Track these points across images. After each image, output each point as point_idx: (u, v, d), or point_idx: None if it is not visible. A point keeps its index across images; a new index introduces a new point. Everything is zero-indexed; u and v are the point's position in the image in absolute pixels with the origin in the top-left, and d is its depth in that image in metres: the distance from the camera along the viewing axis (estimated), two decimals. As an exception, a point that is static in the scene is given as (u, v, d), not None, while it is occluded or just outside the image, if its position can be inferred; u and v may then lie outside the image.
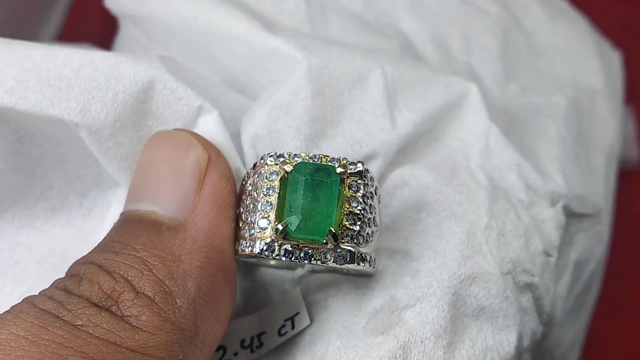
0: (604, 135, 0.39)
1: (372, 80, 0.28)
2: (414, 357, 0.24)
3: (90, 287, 0.21)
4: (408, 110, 0.29)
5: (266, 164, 0.23)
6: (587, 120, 0.39)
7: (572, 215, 0.32)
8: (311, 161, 0.23)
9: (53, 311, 0.20)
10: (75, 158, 0.26)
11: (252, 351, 0.25)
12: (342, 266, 0.22)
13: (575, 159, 0.34)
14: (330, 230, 0.22)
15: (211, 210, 0.23)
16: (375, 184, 0.24)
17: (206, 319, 0.22)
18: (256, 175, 0.23)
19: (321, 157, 0.23)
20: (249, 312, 0.27)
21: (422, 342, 0.24)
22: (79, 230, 0.27)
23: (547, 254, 0.28)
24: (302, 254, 0.22)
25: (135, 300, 0.20)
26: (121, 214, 0.24)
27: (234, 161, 0.25)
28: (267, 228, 0.22)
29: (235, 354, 0.25)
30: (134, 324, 0.20)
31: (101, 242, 0.23)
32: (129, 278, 0.21)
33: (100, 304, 0.20)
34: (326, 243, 0.22)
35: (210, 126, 0.26)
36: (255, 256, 0.22)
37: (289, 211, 0.22)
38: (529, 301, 0.27)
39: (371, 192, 0.23)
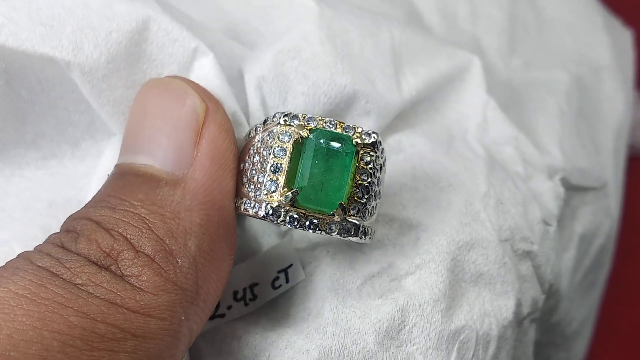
0: (611, 111, 0.39)
1: (382, 40, 0.28)
2: (411, 320, 0.24)
3: (88, 244, 0.20)
4: (413, 76, 0.28)
5: (279, 123, 0.22)
6: (593, 96, 0.38)
7: (573, 189, 0.32)
8: (326, 126, 0.22)
9: (51, 269, 0.19)
10: (67, 104, 0.26)
11: (245, 304, 0.25)
12: (345, 239, 0.22)
13: (576, 133, 0.34)
14: (341, 204, 0.22)
15: (210, 165, 0.22)
16: (385, 155, 0.24)
17: (207, 278, 0.21)
18: (267, 133, 0.23)
19: (336, 123, 0.22)
20: (239, 263, 0.26)
21: (420, 305, 0.25)
22: (67, 178, 0.27)
23: (546, 223, 0.28)
24: (307, 223, 0.22)
25: (135, 260, 0.20)
26: (116, 165, 0.23)
27: (231, 105, 0.25)
28: (275, 192, 0.22)
29: (229, 307, 0.25)
30: (135, 284, 0.20)
31: (96, 195, 0.22)
32: (128, 236, 0.20)
33: (100, 263, 0.20)
34: (333, 215, 0.22)
35: (206, 70, 0.25)
36: (259, 218, 0.22)
37: (300, 179, 0.21)
38: (528, 269, 0.27)
39: (380, 164, 0.23)
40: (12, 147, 0.26)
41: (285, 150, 0.22)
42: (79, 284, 0.19)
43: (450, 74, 0.30)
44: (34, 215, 0.26)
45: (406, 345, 0.24)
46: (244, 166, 0.23)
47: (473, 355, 0.25)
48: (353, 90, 0.27)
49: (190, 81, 0.24)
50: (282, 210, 0.21)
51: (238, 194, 0.23)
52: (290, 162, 0.22)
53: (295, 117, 0.22)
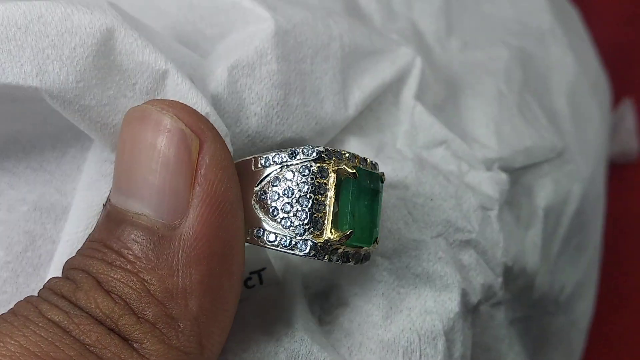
0: (562, 75, 0.39)
1: (332, 50, 0.28)
2: (357, 339, 0.26)
3: (87, 301, 0.20)
4: (359, 89, 0.29)
5: (314, 158, 0.22)
6: (540, 65, 0.38)
7: (520, 169, 0.32)
8: (350, 162, 0.22)
9: (61, 324, 0.19)
10: (42, 110, 0.24)
11: None
12: (360, 264, 0.23)
13: (518, 111, 0.34)
14: (377, 239, 0.23)
15: (208, 211, 0.20)
16: None
17: (210, 334, 0.21)
18: (300, 166, 0.22)
19: (355, 156, 0.23)
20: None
21: (359, 325, 0.26)
22: (51, 176, 0.26)
23: (485, 208, 0.28)
24: (344, 257, 0.23)
25: (137, 326, 0.20)
26: (111, 204, 0.21)
27: (218, 124, 0.23)
28: (321, 230, 0.22)
29: None
30: (139, 350, 0.19)
31: (91, 240, 0.21)
32: (128, 300, 0.20)
33: (105, 323, 0.19)
34: (362, 247, 0.23)
35: (179, 80, 0.23)
36: (302, 256, 0.22)
37: (351, 219, 0.22)
38: (471, 257, 0.28)
39: None
40: None
41: (326, 187, 0.22)
42: (88, 344, 0.19)
43: (393, 78, 0.30)
44: (18, 218, 0.25)
45: None
46: (265, 197, 0.22)
47: (420, 355, 0.25)
48: (304, 112, 0.27)
49: (180, 107, 0.21)
50: (329, 248, 0.22)
51: (256, 224, 0.22)
52: (334, 199, 0.22)
53: (330, 152, 0.22)
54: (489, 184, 0.29)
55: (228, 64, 0.25)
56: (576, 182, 0.36)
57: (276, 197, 0.22)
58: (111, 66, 0.23)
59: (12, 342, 0.18)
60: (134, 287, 0.20)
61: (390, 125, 0.30)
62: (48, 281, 0.21)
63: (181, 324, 0.20)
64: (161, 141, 0.20)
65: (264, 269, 0.26)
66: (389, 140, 0.30)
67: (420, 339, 0.25)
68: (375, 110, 0.30)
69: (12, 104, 0.24)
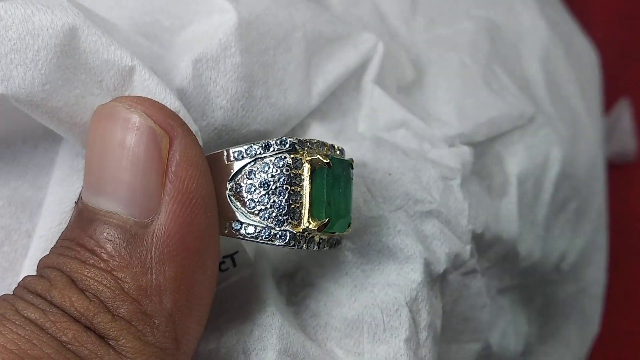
0: (534, 41, 0.39)
1: (295, 39, 0.28)
2: (323, 319, 0.26)
3: (62, 299, 0.20)
4: (323, 77, 0.29)
5: (288, 150, 0.22)
6: (510, 33, 0.38)
7: (486, 140, 0.32)
8: (321, 150, 0.23)
9: (37, 321, 0.19)
10: (9, 106, 0.24)
11: None
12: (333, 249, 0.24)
13: (484, 83, 0.33)
14: (350, 224, 0.24)
15: (180, 209, 0.21)
16: None
17: (186, 330, 0.21)
18: (274, 158, 0.22)
19: (323, 144, 0.23)
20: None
21: (325, 305, 0.26)
22: (25, 168, 0.26)
23: (446, 178, 0.28)
24: (319, 242, 0.23)
25: (112, 323, 0.20)
26: (82, 202, 0.22)
27: (188, 118, 0.23)
28: (299, 220, 0.22)
29: None
30: (115, 347, 0.20)
31: (63, 237, 0.22)
32: (102, 298, 0.20)
33: (80, 321, 0.20)
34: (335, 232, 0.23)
35: (146, 76, 0.23)
36: (280, 245, 0.23)
37: (327, 208, 0.23)
38: (434, 227, 0.28)
39: None
40: None
41: (300, 177, 0.22)
42: (64, 342, 0.19)
43: (356, 66, 0.30)
44: None
45: (325, 344, 0.26)
46: (240, 190, 0.23)
47: (385, 328, 0.25)
48: (268, 103, 0.27)
49: (148, 104, 0.22)
50: (308, 236, 0.23)
51: (237, 219, 0.23)
52: (310, 189, 0.22)
53: (302, 142, 0.23)
54: (451, 157, 0.29)
55: (192, 57, 0.26)
56: (555, 144, 0.35)
57: (252, 190, 0.22)
58: (76, 65, 0.23)
59: None
60: (107, 285, 0.20)
61: (352, 110, 0.30)
62: (23, 279, 0.21)
63: (156, 321, 0.20)
64: (130, 139, 0.21)
65: (236, 252, 0.27)
66: (350, 124, 0.30)
67: (382, 313, 0.25)
68: (337, 95, 0.30)
69: None
